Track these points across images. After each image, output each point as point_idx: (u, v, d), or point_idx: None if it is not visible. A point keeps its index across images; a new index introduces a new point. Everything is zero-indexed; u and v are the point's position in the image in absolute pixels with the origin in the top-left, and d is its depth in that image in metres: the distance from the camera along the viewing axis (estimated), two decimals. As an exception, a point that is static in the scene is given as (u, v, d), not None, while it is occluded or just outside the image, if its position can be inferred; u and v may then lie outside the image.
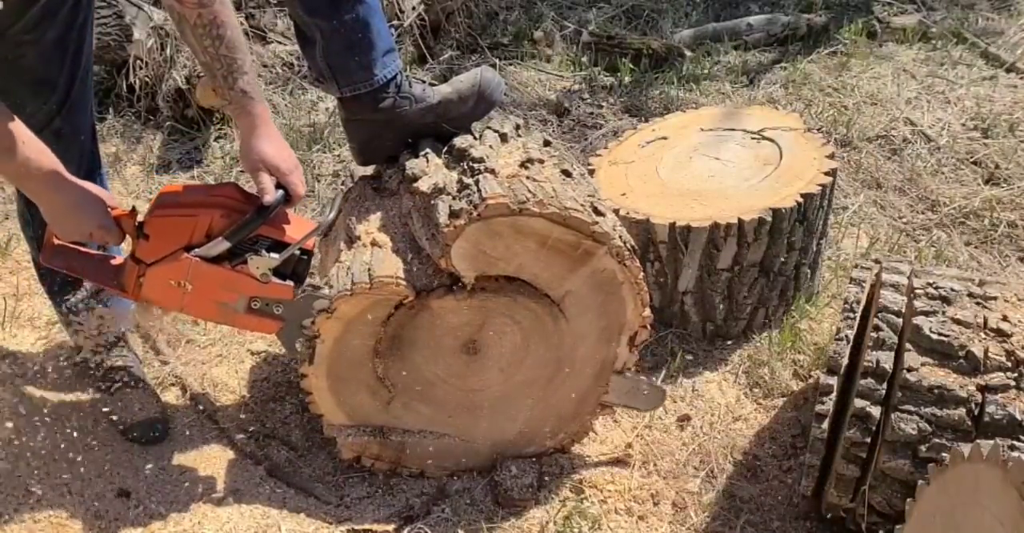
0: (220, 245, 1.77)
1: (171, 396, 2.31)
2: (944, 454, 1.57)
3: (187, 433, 2.20)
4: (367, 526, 1.98)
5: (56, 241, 1.85)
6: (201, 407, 2.26)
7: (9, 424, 2.05)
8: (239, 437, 2.20)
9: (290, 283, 1.85)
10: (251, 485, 2.07)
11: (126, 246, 1.87)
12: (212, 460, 2.14)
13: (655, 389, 2.12)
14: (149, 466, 2.08)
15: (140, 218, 1.81)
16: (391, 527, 1.99)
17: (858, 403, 1.79)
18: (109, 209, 1.77)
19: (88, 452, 2.06)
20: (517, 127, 2.13)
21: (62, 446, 2.04)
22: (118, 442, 2.14)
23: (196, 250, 1.78)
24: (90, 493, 1.96)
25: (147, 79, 3.45)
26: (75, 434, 2.10)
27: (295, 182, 1.82)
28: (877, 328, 1.85)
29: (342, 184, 2.18)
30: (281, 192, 1.79)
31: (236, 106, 1.80)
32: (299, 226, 1.84)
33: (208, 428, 2.22)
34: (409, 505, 2.05)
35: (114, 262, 1.90)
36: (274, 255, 1.79)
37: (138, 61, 3.41)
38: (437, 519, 2.01)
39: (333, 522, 1.99)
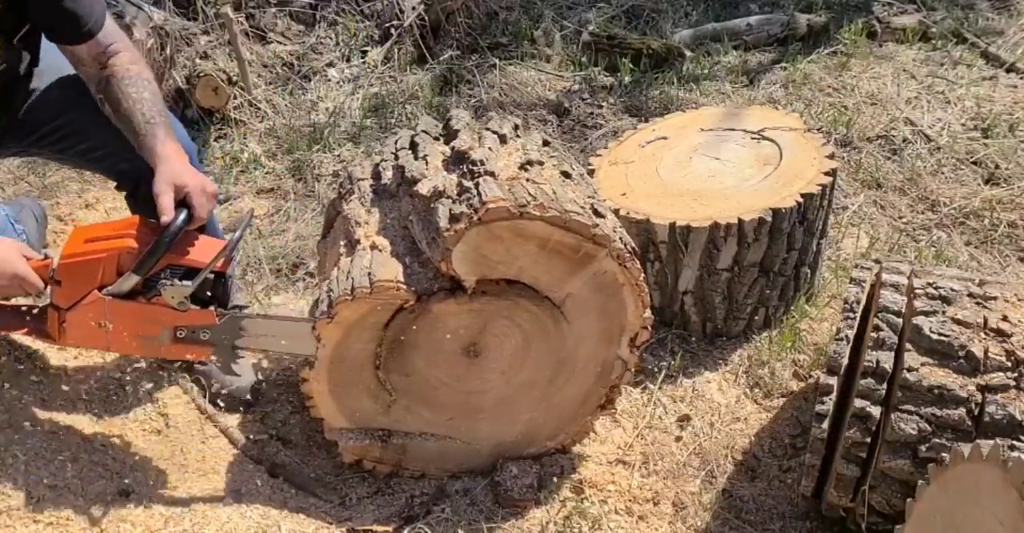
0: (129, 280, 1.78)
1: (171, 396, 2.31)
2: (944, 454, 1.57)
3: (187, 433, 2.20)
4: (367, 526, 1.98)
5: None
6: (201, 407, 2.26)
7: (9, 423, 2.05)
8: (239, 437, 2.20)
9: (211, 308, 1.85)
10: (251, 485, 2.07)
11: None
12: (212, 460, 2.14)
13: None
14: (149, 466, 2.08)
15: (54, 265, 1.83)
16: (391, 527, 1.99)
17: (858, 403, 1.80)
18: (25, 259, 1.79)
19: (88, 452, 2.06)
20: (516, 127, 2.12)
21: (63, 446, 2.04)
22: (118, 442, 2.14)
23: (108, 288, 1.79)
24: (90, 493, 1.96)
25: (147, 79, 3.44)
26: (76, 434, 2.10)
27: (201, 203, 1.82)
28: (877, 328, 1.85)
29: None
30: (183, 213, 1.78)
31: (151, 141, 1.87)
32: (208, 248, 1.83)
33: (208, 428, 2.22)
34: (409, 505, 2.05)
35: (36, 311, 1.92)
36: (186, 282, 1.80)
37: (138, 61, 3.41)
38: (437, 519, 2.01)
39: (333, 522, 1.99)
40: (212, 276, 1.84)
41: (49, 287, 1.84)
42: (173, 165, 1.84)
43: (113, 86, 1.90)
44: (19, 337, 2.01)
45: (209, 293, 1.88)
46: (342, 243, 1.98)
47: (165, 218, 1.77)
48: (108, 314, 1.81)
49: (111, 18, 1.95)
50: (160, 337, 1.85)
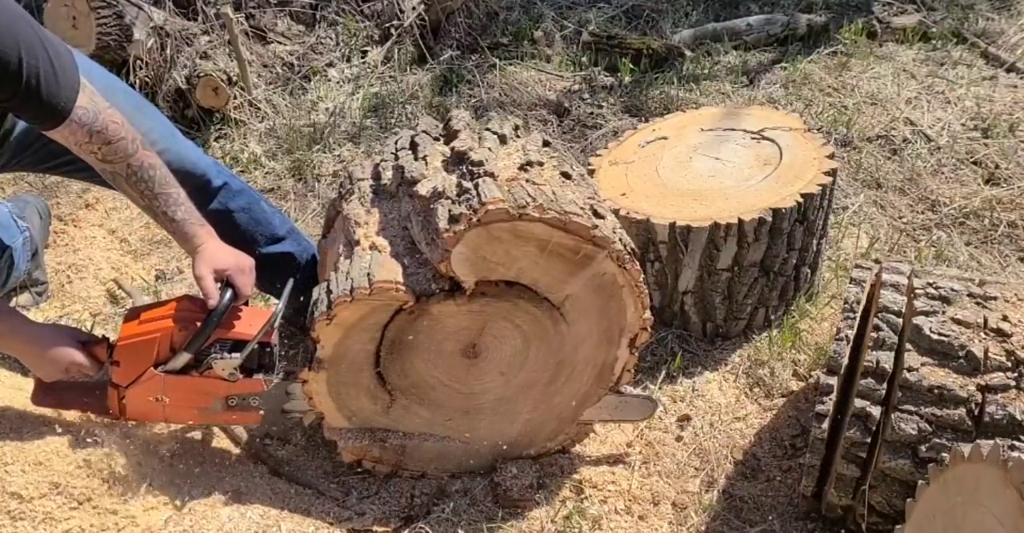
0: (182, 357, 1.89)
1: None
2: (944, 454, 1.57)
3: (188, 433, 2.20)
4: (368, 526, 1.98)
5: (42, 382, 1.97)
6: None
7: (8, 423, 2.05)
8: (240, 436, 2.20)
9: (259, 376, 1.94)
10: (251, 485, 2.07)
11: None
12: (212, 460, 2.14)
13: (644, 399, 2.13)
14: (150, 466, 2.08)
15: (112, 341, 1.93)
16: (391, 527, 1.99)
17: (858, 403, 1.80)
18: (80, 343, 1.90)
19: (88, 452, 2.05)
20: (516, 128, 2.12)
21: (62, 446, 2.04)
22: (118, 442, 2.14)
23: (163, 366, 1.90)
24: (90, 493, 1.96)
25: (147, 79, 3.45)
26: (76, 434, 2.10)
27: (243, 282, 1.90)
28: (877, 328, 1.85)
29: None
30: (229, 293, 1.87)
31: (180, 235, 1.91)
32: (254, 320, 1.92)
33: (209, 428, 2.22)
34: (409, 505, 2.05)
35: (97, 390, 2.01)
36: (235, 355, 1.89)
37: (138, 61, 3.42)
38: (437, 519, 2.01)
39: (334, 522, 1.99)
40: (258, 346, 1.91)
41: (108, 367, 1.94)
42: (209, 249, 1.90)
43: (123, 185, 1.87)
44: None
45: (257, 363, 1.96)
46: (341, 243, 1.98)
47: (211, 302, 1.85)
48: (165, 389, 1.92)
49: (84, 90, 1.73)
50: (213, 407, 1.96)
